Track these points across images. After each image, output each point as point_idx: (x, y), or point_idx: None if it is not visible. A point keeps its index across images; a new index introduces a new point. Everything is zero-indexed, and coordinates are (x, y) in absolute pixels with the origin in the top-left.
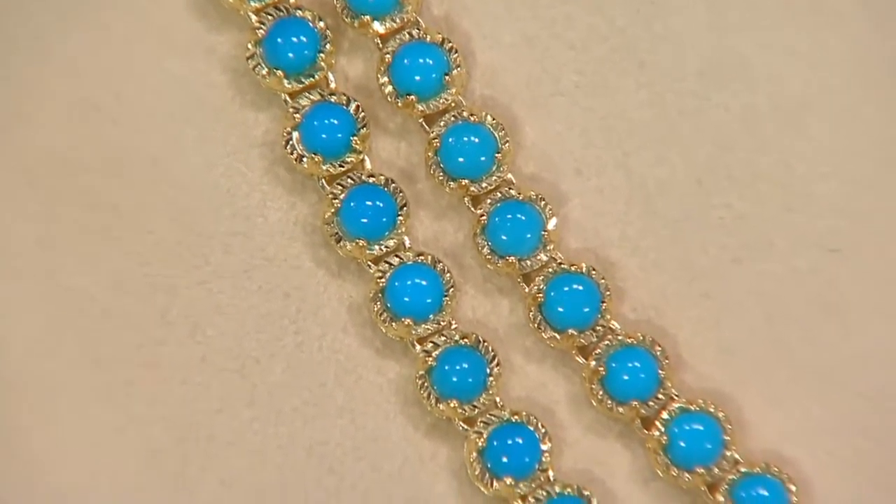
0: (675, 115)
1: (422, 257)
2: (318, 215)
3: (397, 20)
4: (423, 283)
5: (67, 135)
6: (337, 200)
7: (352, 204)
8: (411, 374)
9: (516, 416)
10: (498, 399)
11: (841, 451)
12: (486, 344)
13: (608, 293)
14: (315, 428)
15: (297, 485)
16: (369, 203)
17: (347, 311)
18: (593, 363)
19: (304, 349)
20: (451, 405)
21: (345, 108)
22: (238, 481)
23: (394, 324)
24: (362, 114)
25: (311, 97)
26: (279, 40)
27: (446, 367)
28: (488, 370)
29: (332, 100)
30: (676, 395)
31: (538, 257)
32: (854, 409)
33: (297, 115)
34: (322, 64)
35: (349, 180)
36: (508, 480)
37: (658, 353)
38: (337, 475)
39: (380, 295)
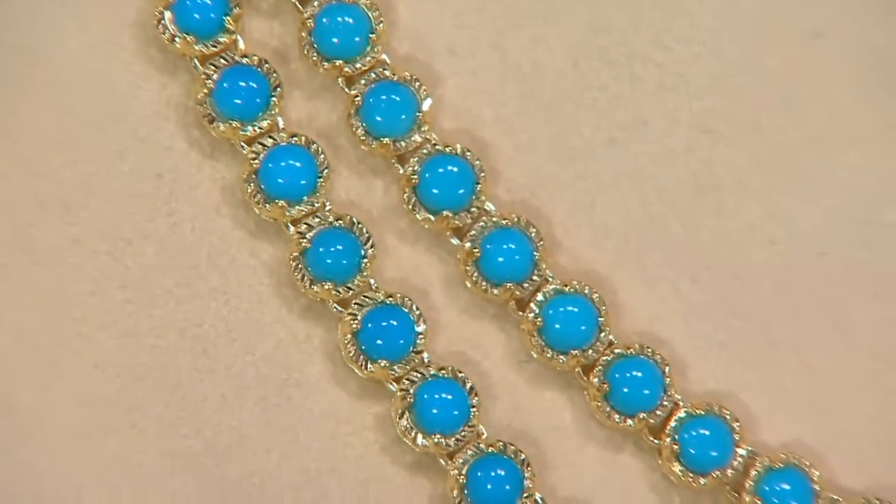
0: None
1: (295, 138)
2: (191, 96)
3: None
4: (297, 164)
5: None
6: (210, 81)
7: (225, 84)
8: (285, 256)
9: (391, 298)
10: (372, 281)
11: (715, 332)
12: (360, 226)
13: (483, 174)
14: (188, 310)
15: (170, 367)
16: (243, 84)
17: (220, 193)
18: (468, 245)
19: (176, 230)
20: (326, 287)
21: None
22: (111, 364)
23: (267, 205)
24: None
25: None
26: None
27: (320, 249)
28: (362, 252)
29: None
30: (551, 277)
31: (412, 138)
32: (728, 290)
33: None
34: None
35: (222, 60)
36: (383, 363)
37: (533, 235)
38: (210, 357)
39: (253, 176)
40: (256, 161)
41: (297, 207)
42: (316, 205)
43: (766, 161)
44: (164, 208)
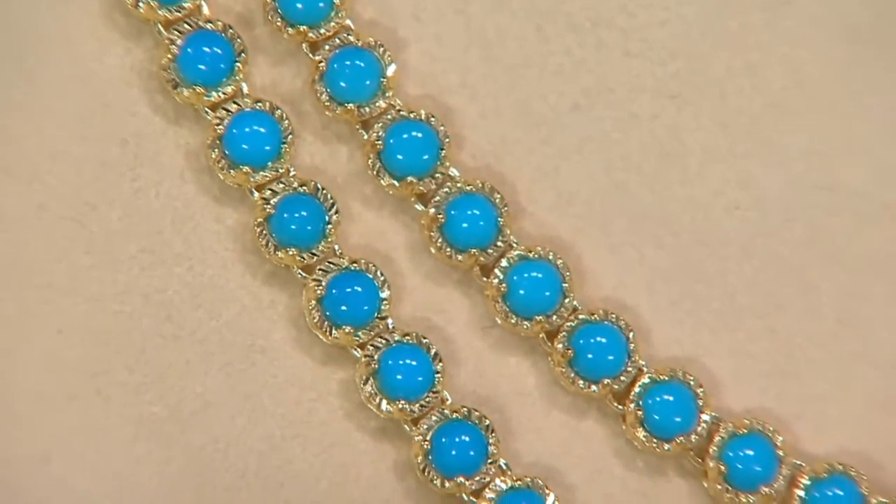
0: None
1: (260, 104)
2: (155, 61)
3: None
4: (262, 130)
5: None
6: (174, 46)
7: (189, 50)
8: (249, 222)
9: (355, 264)
10: (336, 247)
11: (679, 297)
12: (324, 191)
13: (447, 140)
14: (153, 275)
15: (135, 332)
16: (207, 49)
17: (185, 158)
18: (432, 210)
19: (141, 196)
20: (290, 253)
21: None
22: (76, 329)
23: (232, 171)
24: None
25: None
26: None
27: (285, 215)
28: (327, 218)
29: None
30: (515, 243)
31: (377, 104)
32: (693, 255)
33: None
34: None
35: (186, 26)
36: (347, 329)
37: (497, 201)
38: (175, 323)
39: (217, 142)
40: (221, 127)
41: (261, 173)
42: (280, 170)
43: (732, 127)
44: (128, 174)
